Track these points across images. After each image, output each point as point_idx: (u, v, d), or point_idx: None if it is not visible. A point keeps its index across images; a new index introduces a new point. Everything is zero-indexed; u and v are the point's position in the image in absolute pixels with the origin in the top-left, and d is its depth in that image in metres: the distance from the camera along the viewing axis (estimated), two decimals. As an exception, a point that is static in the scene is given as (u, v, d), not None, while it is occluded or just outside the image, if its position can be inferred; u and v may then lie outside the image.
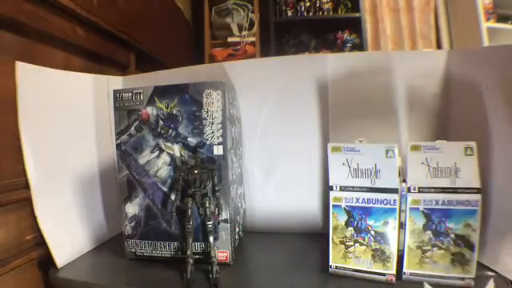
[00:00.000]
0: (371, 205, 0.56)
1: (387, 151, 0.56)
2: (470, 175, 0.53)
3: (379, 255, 0.55)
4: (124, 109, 0.65)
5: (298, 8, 2.21)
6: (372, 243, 0.56)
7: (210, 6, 2.15)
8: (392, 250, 0.55)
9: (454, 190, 0.53)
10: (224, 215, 0.63)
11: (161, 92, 0.64)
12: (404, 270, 0.54)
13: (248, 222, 0.82)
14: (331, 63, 0.78)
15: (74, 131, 0.75)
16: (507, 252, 0.56)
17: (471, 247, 0.52)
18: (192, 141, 0.63)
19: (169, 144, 0.64)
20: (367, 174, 0.57)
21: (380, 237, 0.55)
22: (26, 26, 0.66)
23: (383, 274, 0.55)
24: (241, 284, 0.59)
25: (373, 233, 0.56)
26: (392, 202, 0.55)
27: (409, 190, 0.55)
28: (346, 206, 0.57)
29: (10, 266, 0.60)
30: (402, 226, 0.56)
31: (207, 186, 0.61)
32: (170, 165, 0.64)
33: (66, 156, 0.72)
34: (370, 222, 0.56)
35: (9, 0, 0.61)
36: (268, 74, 0.81)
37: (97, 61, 0.94)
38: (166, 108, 0.63)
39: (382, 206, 0.55)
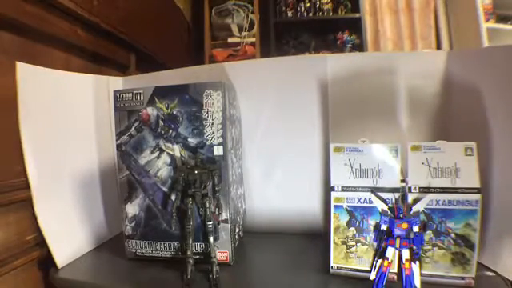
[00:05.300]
0: (373, 204, 0.56)
1: (390, 151, 0.57)
2: (470, 175, 0.53)
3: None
4: (124, 109, 0.65)
5: (298, 9, 2.21)
6: (374, 242, 0.56)
7: (210, 6, 2.15)
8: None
9: (455, 190, 0.53)
10: (224, 215, 0.63)
11: (161, 92, 0.64)
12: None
13: (248, 222, 0.82)
14: (331, 64, 0.78)
15: (75, 132, 0.75)
16: (507, 252, 0.56)
17: (471, 247, 0.52)
18: (192, 141, 0.63)
19: (169, 144, 0.64)
20: (369, 174, 0.57)
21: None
22: (26, 26, 0.66)
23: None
24: (241, 284, 0.59)
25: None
26: (394, 202, 0.55)
27: (409, 190, 0.55)
28: (348, 206, 0.57)
29: (11, 265, 0.60)
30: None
31: (207, 186, 0.61)
32: (170, 165, 0.64)
33: (67, 156, 0.72)
34: (372, 222, 0.56)
35: (9, 0, 0.61)
36: (268, 74, 0.81)
37: (97, 61, 0.94)
38: (166, 108, 0.63)
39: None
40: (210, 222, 0.60)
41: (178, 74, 0.87)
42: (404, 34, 2.24)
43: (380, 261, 0.54)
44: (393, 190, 0.56)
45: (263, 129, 0.82)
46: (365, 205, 0.56)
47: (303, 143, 0.79)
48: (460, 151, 0.54)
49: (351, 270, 0.57)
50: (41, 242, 0.65)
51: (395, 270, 0.54)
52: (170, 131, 0.64)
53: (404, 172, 0.57)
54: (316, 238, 0.74)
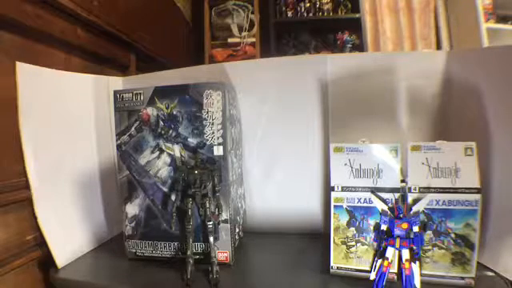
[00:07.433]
0: (373, 205, 0.56)
1: (390, 151, 0.57)
2: (470, 175, 0.53)
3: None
4: (124, 109, 0.65)
5: (298, 9, 2.21)
6: (374, 242, 0.56)
7: (210, 6, 2.15)
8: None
9: (455, 190, 0.53)
10: (224, 215, 0.63)
11: (161, 92, 0.64)
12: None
13: (248, 223, 0.82)
14: (331, 64, 0.78)
15: (75, 132, 0.75)
16: (507, 252, 0.56)
17: (471, 247, 0.52)
18: (192, 141, 0.63)
19: (169, 144, 0.64)
20: (369, 174, 0.57)
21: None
22: (25, 26, 0.66)
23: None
24: (241, 284, 0.59)
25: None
26: (394, 202, 0.55)
27: (409, 190, 0.55)
28: (348, 206, 0.57)
29: (11, 266, 0.60)
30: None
31: (207, 186, 0.61)
32: (170, 165, 0.64)
33: (67, 156, 0.72)
34: (372, 222, 0.56)
35: (9, 0, 0.61)
36: (268, 74, 0.81)
37: (97, 61, 0.94)
38: (166, 108, 0.63)
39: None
40: (210, 222, 0.60)
41: (177, 74, 0.87)
42: (404, 34, 2.24)
43: (380, 261, 0.54)
44: (393, 190, 0.56)
45: (263, 129, 0.82)
46: (365, 205, 0.56)
47: (303, 143, 0.79)
48: (460, 151, 0.54)
49: (351, 270, 0.57)
50: (41, 242, 0.65)
51: (395, 270, 0.54)
52: (170, 131, 0.64)
53: (404, 172, 0.57)
54: (316, 238, 0.74)
